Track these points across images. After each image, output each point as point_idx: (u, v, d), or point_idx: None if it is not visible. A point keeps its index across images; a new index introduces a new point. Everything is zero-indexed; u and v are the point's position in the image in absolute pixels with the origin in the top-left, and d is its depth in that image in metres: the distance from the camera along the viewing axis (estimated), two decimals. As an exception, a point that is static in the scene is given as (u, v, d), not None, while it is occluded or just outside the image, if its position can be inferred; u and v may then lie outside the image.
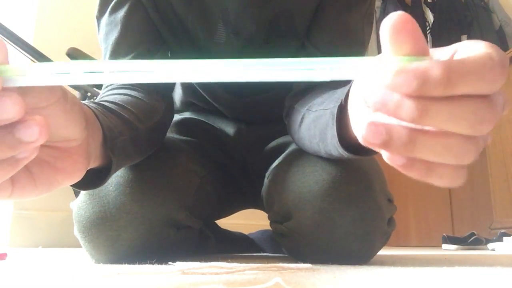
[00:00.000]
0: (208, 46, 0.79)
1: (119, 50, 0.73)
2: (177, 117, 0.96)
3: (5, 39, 1.39)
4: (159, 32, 0.77)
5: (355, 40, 0.77)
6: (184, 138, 0.89)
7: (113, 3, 0.74)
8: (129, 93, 0.69)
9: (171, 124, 0.88)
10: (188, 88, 0.96)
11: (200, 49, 0.79)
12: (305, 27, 0.78)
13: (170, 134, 0.89)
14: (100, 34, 0.76)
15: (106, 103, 0.58)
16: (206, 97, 0.91)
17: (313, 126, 0.64)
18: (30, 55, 1.46)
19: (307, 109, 0.68)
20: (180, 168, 0.75)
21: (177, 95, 0.99)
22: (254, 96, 0.88)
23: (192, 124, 0.95)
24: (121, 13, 0.74)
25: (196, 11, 0.76)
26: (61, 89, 0.33)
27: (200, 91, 0.92)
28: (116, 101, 0.61)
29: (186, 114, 0.98)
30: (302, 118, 0.69)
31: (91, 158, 0.41)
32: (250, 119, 0.93)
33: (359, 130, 0.29)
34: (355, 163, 0.70)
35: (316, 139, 0.63)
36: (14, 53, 1.48)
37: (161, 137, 0.76)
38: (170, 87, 0.83)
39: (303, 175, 0.70)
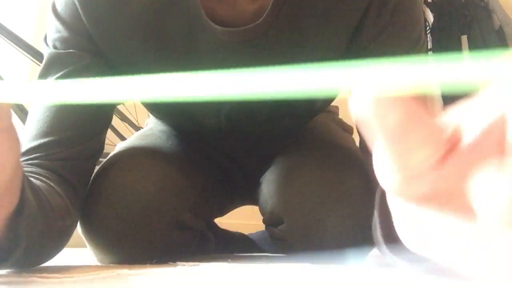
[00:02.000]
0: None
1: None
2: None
3: (5, 39, 1.39)
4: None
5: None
6: (183, 141, 0.88)
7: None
8: (47, 181, 0.56)
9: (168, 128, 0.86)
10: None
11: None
12: (310, 111, 0.78)
13: (170, 137, 0.86)
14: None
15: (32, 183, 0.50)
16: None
17: None
18: (31, 55, 1.46)
19: None
20: (184, 170, 0.75)
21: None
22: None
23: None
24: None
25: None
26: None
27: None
28: (40, 187, 0.52)
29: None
30: None
31: None
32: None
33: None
34: (343, 162, 0.70)
35: None
36: (14, 53, 1.48)
37: (67, 240, 0.60)
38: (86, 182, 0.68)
39: (292, 178, 0.71)
